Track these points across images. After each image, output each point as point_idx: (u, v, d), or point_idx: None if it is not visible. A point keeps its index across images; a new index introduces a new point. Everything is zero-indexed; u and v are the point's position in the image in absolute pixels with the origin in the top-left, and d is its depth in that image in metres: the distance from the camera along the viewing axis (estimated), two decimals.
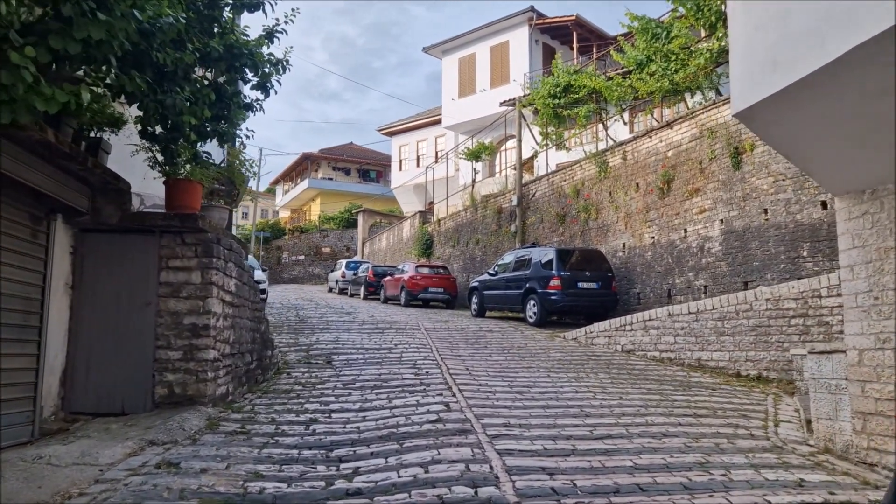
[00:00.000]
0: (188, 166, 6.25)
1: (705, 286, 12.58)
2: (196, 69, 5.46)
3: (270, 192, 64.25)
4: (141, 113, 5.45)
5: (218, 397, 6.33)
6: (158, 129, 5.61)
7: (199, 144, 5.88)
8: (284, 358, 9.44)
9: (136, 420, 5.71)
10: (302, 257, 47.79)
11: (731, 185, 12.13)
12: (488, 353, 10.49)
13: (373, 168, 52.33)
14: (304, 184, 50.29)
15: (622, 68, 16.67)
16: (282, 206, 58.81)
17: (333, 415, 6.20)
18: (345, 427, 5.71)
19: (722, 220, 12.31)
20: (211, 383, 6.15)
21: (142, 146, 6.07)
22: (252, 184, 48.19)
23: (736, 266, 11.91)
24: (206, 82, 5.54)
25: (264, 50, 5.78)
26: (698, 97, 14.85)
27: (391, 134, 37.25)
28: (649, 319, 10.97)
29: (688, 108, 14.03)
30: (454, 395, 6.86)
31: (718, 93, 13.78)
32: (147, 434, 5.25)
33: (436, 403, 6.47)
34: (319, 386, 7.61)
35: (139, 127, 5.83)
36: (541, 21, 25.12)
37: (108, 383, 5.99)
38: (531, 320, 14.57)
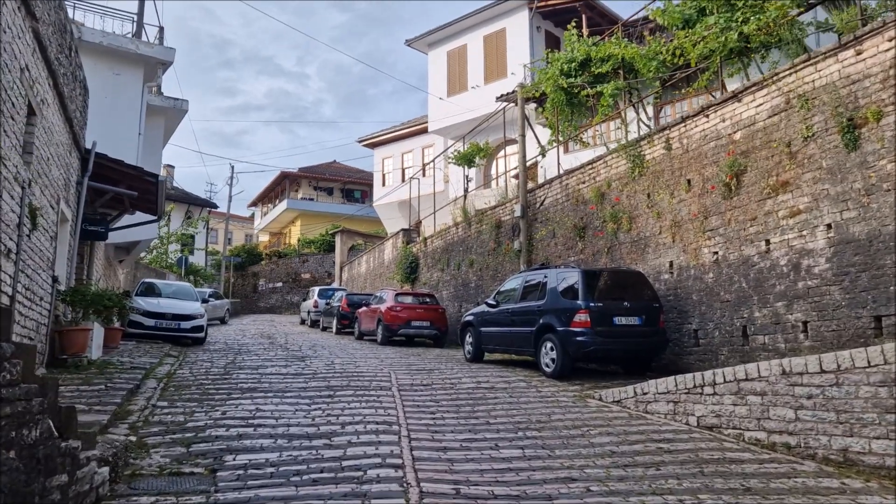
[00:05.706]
0: None
1: (805, 322, 8.59)
2: None
3: (251, 215, 60.63)
4: None
5: None
6: None
7: None
8: (138, 465, 5.33)
9: None
10: (280, 284, 43.86)
11: (844, 174, 8.22)
12: (493, 439, 6.43)
13: (357, 187, 48.59)
14: (283, 205, 46.51)
15: (661, 33, 12.91)
16: (260, 230, 54.91)
17: None
18: None
19: (829, 226, 8.38)
20: None
21: None
22: (223, 205, 44.33)
23: (857, 293, 7.93)
24: None
25: None
26: (758, 67, 11.02)
27: (373, 145, 33.34)
28: (746, 379, 6.95)
29: (725, 89, 10.03)
30: None
31: (804, 48, 9.92)
32: None
33: None
34: None
35: None
36: (543, 4, 21.33)
37: None
38: (548, 370, 10.48)
